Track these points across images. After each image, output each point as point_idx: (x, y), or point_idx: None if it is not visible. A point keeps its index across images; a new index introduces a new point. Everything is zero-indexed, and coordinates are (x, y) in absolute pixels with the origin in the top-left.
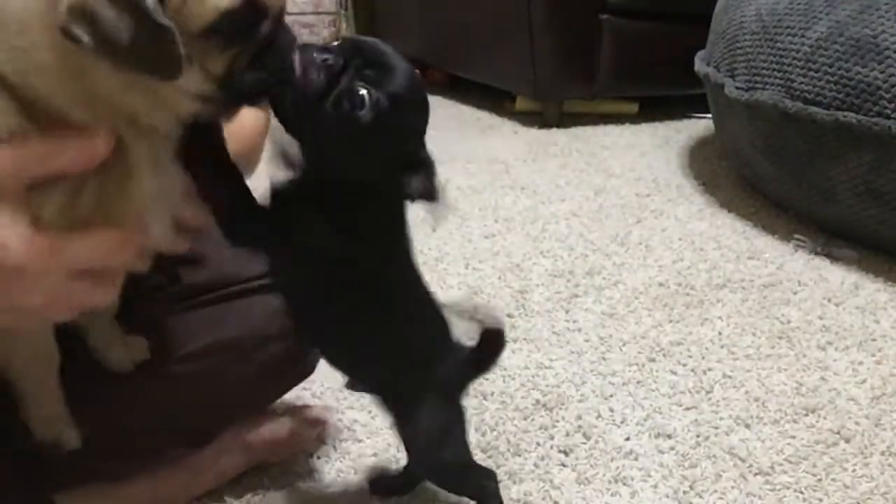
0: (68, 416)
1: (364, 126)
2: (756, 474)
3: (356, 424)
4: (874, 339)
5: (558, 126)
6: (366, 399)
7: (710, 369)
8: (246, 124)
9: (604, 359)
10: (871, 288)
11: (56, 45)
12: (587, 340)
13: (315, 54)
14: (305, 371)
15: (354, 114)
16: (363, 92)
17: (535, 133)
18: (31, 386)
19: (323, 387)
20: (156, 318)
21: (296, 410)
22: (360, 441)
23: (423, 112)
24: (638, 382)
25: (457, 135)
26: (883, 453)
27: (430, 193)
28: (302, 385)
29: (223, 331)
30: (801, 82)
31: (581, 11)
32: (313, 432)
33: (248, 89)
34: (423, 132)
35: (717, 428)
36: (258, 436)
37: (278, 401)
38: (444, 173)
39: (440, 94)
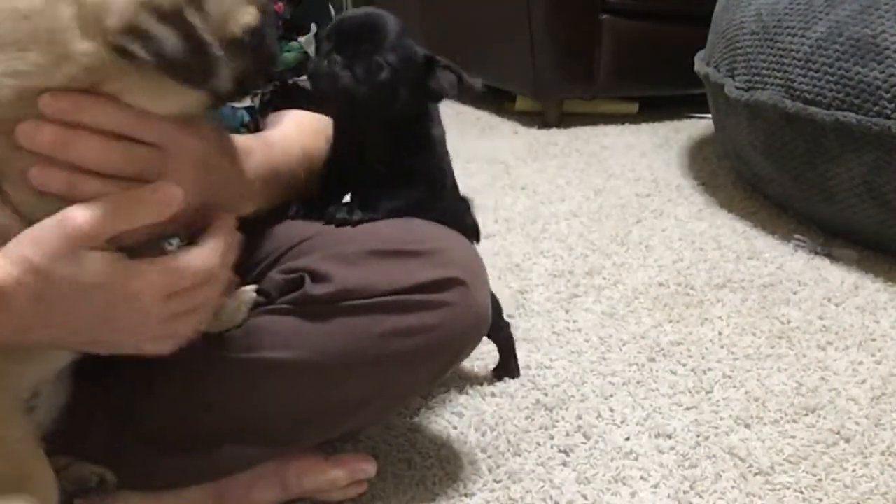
0: None
1: (387, 80)
2: (756, 474)
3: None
4: (874, 339)
5: (558, 126)
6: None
7: (710, 369)
8: (313, 126)
9: (604, 359)
10: (871, 288)
11: (89, 57)
12: (587, 340)
13: (325, 65)
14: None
15: (381, 78)
16: (378, 61)
17: (535, 133)
18: None
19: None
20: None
21: (340, 457)
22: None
23: (403, 38)
24: (638, 382)
25: (457, 135)
26: (883, 453)
27: (456, 77)
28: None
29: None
30: (801, 82)
31: (581, 11)
32: (354, 478)
33: (252, 85)
34: (415, 50)
35: (717, 428)
36: (297, 477)
37: (325, 445)
38: None
39: None
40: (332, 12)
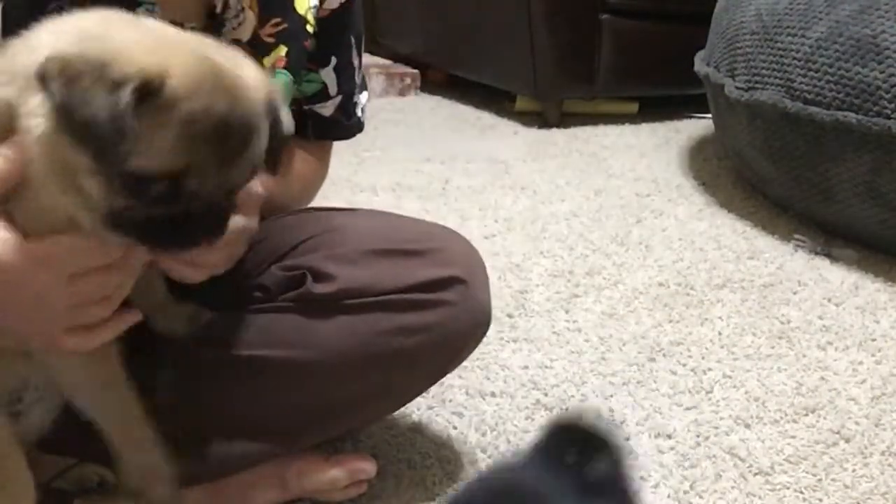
0: (164, 468)
1: None
2: (756, 474)
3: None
4: (874, 339)
5: (558, 126)
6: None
7: (710, 369)
8: (306, 173)
9: (604, 359)
10: (871, 288)
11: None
12: (587, 340)
13: None
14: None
15: None
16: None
17: (535, 133)
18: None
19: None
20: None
21: (340, 457)
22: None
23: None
24: (638, 382)
25: (457, 135)
26: (883, 453)
27: None
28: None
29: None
30: (801, 82)
31: (581, 11)
32: (354, 478)
33: (129, 232)
34: None
35: (717, 428)
36: (298, 477)
37: (325, 445)
38: (444, 173)
39: (440, 94)
40: (353, 42)
